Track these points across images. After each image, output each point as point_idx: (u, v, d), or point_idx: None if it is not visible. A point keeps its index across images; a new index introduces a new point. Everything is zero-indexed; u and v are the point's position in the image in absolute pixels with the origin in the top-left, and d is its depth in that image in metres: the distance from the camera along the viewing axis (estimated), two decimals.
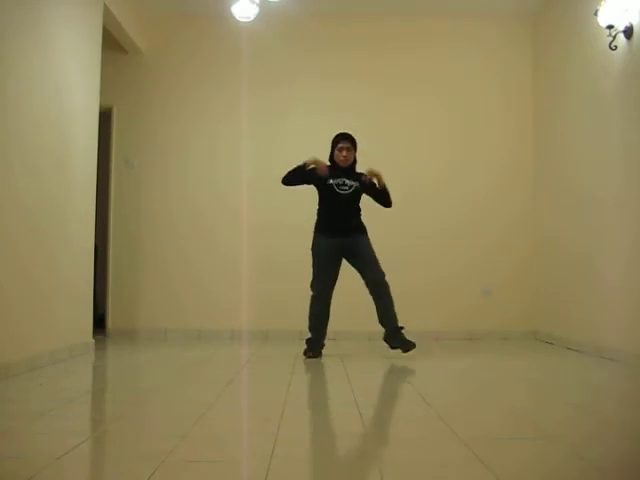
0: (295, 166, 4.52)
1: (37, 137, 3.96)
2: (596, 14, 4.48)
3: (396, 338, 4.46)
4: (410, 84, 6.10)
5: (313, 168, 4.47)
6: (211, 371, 4.12)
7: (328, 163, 4.54)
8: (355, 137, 4.64)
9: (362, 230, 4.58)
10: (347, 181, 4.51)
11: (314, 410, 2.83)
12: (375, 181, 4.55)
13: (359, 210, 4.60)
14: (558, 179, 5.55)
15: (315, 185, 4.58)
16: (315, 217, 4.66)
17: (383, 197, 4.59)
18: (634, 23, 4.26)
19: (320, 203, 4.61)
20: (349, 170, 4.57)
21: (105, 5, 5.03)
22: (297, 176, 4.52)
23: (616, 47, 4.40)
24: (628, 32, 4.29)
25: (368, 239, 4.56)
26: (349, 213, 4.55)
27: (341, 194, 4.49)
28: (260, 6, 5.30)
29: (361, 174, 4.57)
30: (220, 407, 2.84)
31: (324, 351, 4.61)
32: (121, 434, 2.40)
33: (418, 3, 5.95)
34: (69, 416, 2.68)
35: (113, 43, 5.68)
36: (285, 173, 4.55)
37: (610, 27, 4.38)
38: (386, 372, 4.13)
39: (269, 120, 6.07)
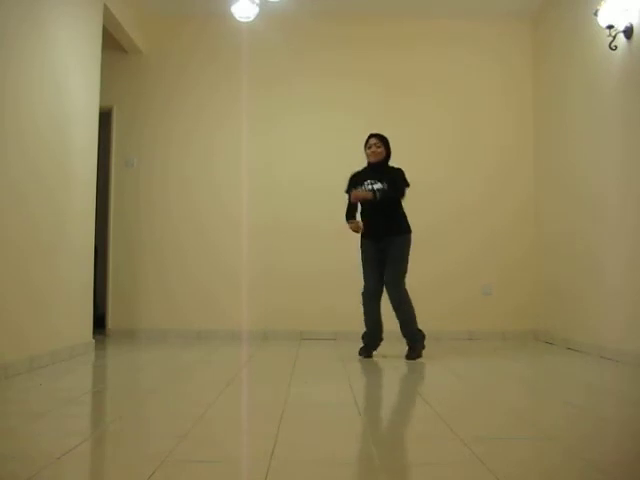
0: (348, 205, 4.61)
1: (37, 137, 3.96)
2: (596, 14, 4.48)
3: (411, 342, 4.50)
4: (410, 84, 6.11)
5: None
6: (211, 371, 4.12)
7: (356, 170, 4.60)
8: (386, 137, 4.63)
9: (400, 232, 4.49)
10: (374, 185, 4.45)
11: (314, 410, 2.83)
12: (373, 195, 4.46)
13: (396, 210, 4.50)
14: (558, 179, 5.55)
15: None
16: None
17: (390, 195, 4.46)
18: (634, 23, 4.26)
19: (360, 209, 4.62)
20: (380, 167, 4.52)
21: (105, 5, 5.03)
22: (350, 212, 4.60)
23: (616, 47, 4.40)
24: (628, 32, 4.30)
25: (405, 241, 4.48)
26: (381, 216, 4.47)
27: (370, 200, 4.44)
28: (260, 6, 5.30)
29: (393, 169, 4.52)
30: (220, 407, 2.84)
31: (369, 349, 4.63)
32: (121, 434, 2.40)
33: (418, 3, 5.95)
34: (69, 416, 2.68)
35: (113, 43, 5.68)
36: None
37: (610, 27, 4.38)
38: (386, 372, 4.13)
39: (269, 120, 6.08)
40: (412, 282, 6.00)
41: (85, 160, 4.77)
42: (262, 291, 5.85)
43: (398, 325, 4.54)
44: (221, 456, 2.09)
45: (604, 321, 4.62)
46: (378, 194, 4.38)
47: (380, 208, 4.46)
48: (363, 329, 6.01)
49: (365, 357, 4.55)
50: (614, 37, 4.37)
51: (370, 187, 4.46)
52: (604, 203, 4.68)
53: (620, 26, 4.34)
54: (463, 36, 6.13)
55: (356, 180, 4.57)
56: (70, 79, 4.47)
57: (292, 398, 3.00)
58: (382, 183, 4.45)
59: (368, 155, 4.58)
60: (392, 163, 4.64)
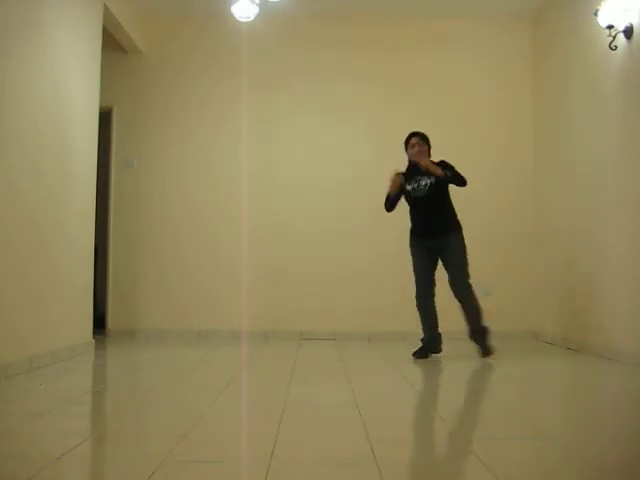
0: (385, 196, 4.50)
1: (37, 137, 3.96)
2: (596, 14, 4.47)
3: (478, 339, 4.44)
4: (410, 83, 6.11)
5: (394, 188, 4.42)
6: (211, 371, 4.12)
7: (400, 170, 4.45)
8: (425, 134, 4.58)
9: (451, 229, 4.45)
10: (421, 181, 4.41)
11: (314, 410, 2.83)
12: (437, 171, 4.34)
13: (445, 207, 4.47)
14: (558, 179, 5.55)
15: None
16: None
17: (457, 181, 4.39)
18: (634, 23, 4.26)
19: (409, 208, 4.56)
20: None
21: (105, 5, 5.03)
22: (390, 201, 4.50)
23: (616, 47, 4.40)
24: (628, 32, 4.29)
25: (458, 238, 4.44)
26: (432, 214, 4.43)
27: (418, 197, 4.42)
28: (260, 6, 5.30)
29: (438, 163, 4.45)
30: (220, 407, 2.84)
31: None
32: (121, 434, 2.40)
33: (418, 3, 5.95)
34: (69, 416, 2.68)
35: (113, 43, 5.68)
36: (384, 203, 4.53)
37: (610, 27, 4.37)
38: (386, 372, 4.13)
39: (269, 119, 6.08)
40: (410, 282, 5.98)
41: (85, 160, 4.77)
42: (262, 291, 5.85)
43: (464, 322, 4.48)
44: (221, 456, 2.09)
45: (604, 321, 4.62)
46: (449, 174, 4.31)
47: (433, 205, 4.41)
48: (362, 328, 6.00)
49: (419, 358, 4.45)
50: (614, 37, 4.37)
51: (418, 184, 4.41)
52: (603, 202, 4.68)
53: (620, 26, 4.34)
54: (463, 36, 6.12)
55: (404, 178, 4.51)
56: (70, 79, 4.47)
57: (292, 398, 3.00)
58: (430, 178, 4.40)
59: (411, 155, 4.51)
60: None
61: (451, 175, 4.33)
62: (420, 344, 4.53)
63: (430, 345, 4.52)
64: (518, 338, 5.83)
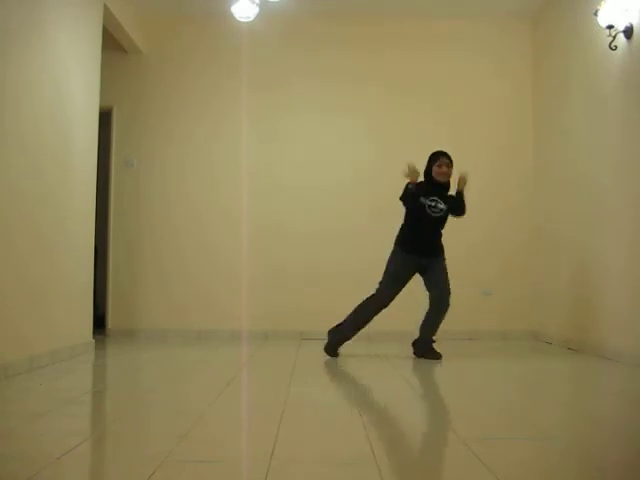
0: (405, 188, 4.47)
1: (37, 137, 3.96)
2: (596, 14, 4.48)
3: (423, 348, 4.50)
4: (410, 83, 6.11)
5: (413, 183, 4.42)
6: (211, 371, 4.12)
7: (421, 178, 4.47)
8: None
9: (441, 251, 4.56)
10: (439, 204, 4.45)
11: (314, 410, 2.83)
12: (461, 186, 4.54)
13: (441, 232, 4.58)
14: (557, 179, 5.55)
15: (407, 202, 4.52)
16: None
17: (462, 211, 4.57)
18: (634, 23, 4.26)
19: (407, 219, 4.54)
20: (444, 189, 4.52)
21: (105, 5, 5.03)
22: (408, 197, 4.46)
23: (616, 47, 4.40)
24: (628, 32, 4.30)
25: (444, 259, 4.55)
26: (436, 235, 4.53)
27: (432, 216, 4.44)
28: (260, 6, 5.30)
29: (452, 196, 4.54)
30: (220, 407, 2.84)
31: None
32: (121, 434, 2.40)
33: (418, 3, 5.95)
34: (69, 416, 2.68)
35: (113, 43, 5.68)
36: (402, 194, 4.50)
37: (610, 27, 4.38)
38: (386, 372, 4.13)
39: (268, 119, 6.08)
40: (412, 283, 6.00)
41: (85, 160, 4.77)
42: (262, 291, 5.85)
43: (422, 324, 4.55)
44: (221, 456, 2.09)
45: (604, 321, 4.62)
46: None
47: (439, 228, 4.52)
48: (363, 329, 5.97)
49: (334, 356, 4.58)
50: (614, 37, 4.37)
51: (435, 205, 4.44)
52: (603, 203, 4.68)
53: (620, 26, 4.34)
54: (463, 36, 6.13)
55: (419, 189, 4.48)
56: (70, 80, 4.47)
57: (292, 398, 3.00)
58: (445, 204, 4.47)
59: (437, 173, 4.49)
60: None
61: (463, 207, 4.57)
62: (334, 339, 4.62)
63: (344, 342, 4.61)
64: (518, 338, 5.84)
